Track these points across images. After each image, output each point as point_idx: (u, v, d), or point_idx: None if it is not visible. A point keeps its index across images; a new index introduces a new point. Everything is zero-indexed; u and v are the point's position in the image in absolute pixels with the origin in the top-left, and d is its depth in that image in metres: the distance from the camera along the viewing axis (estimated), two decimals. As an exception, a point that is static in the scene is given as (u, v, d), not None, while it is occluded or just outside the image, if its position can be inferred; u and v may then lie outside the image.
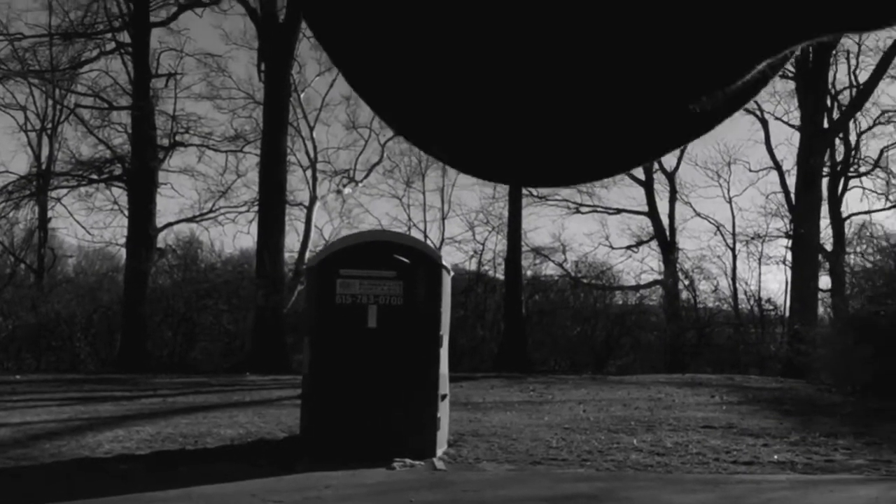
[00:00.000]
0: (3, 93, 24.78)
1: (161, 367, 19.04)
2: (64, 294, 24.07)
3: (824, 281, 23.04)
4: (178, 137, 23.69)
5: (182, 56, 24.50)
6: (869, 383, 12.31)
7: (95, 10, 22.66)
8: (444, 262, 7.05)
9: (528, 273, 26.81)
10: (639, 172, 27.42)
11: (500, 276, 26.08)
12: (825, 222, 24.12)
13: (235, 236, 58.98)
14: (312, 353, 6.84)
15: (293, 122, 25.20)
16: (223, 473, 6.08)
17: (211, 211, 25.12)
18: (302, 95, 27.03)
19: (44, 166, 25.73)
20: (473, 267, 27.96)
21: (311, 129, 27.38)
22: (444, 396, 7.04)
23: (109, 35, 23.05)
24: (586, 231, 51.63)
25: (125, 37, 22.67)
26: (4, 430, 8.00)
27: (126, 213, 22.48)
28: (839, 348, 14.14)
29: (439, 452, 6.83)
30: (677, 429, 8.69)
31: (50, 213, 26.33)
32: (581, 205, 27.80)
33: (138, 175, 21.53)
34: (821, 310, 22.41)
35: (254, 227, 23.08)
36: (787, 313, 23.89)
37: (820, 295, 22.68)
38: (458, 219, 31.68)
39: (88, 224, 27.19)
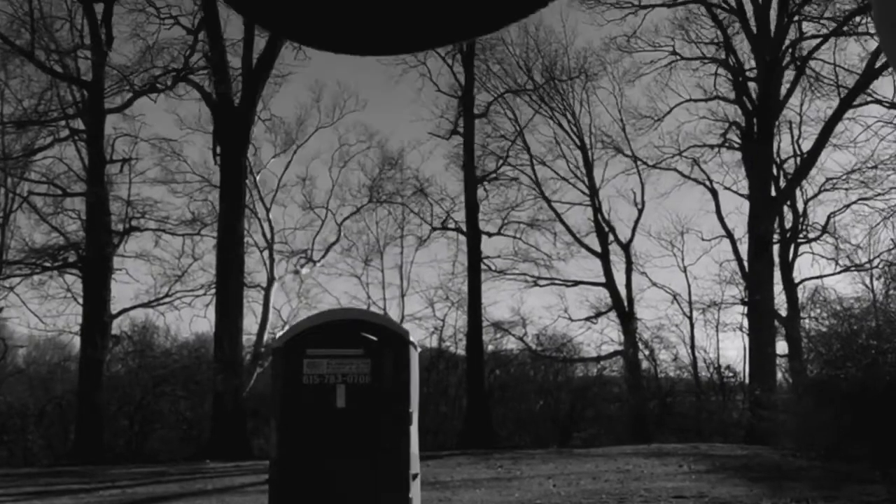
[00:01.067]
0: (-48, 184, 24.50)
1: (118, 458, 18.51)
2: (15, 385, 23.44)
3: (781, 346, 23.34)
4: (133, 222, 23.51)
5: (137, 141, 24.46)
6: (832, 446, 12.41)
7: (49, 98, 22.67)
8: (411, 339, 7.03)
9: (490, 348, 26.78)
10: (594, 244, 27.79)
11: (462, 351, 26.01)
12: (779, 288, 24.55)
13: (192, 320, 58.05)
14: (279, 435, 6.71)
15: (249, 203, 25.22)
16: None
17: (167, 295, 24.78)
18: (258, 177, 27.12)
19: (-5, 255, 25.29)
20: (434, 343, 27.84)
21: (268, 210, 27.40)
22: (415, 476, 6.93)
23: (63, 122, 23.00)
24: (545, 304, 51.65)
25: (79, 124, 22.64)
26: (-43, 530, 7.68)
27: (80, 300, 22.11)
28: (801, 413, 14.28)
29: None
30: (649, 500, 8.64)
31: (1, 303, 25.81)
32: (539, 277, 27.96)
33: (93, 262, 21.27)
34: (779, 375, 22.66)
35: (211, 311, 22.82)
36: (747, 379, 24.08)
37: (778, 360, 22.94)
38: (418, 295, 31.75)
39: (41, 312, 26.67)
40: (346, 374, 6.72)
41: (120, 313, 23.37)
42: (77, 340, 22.49)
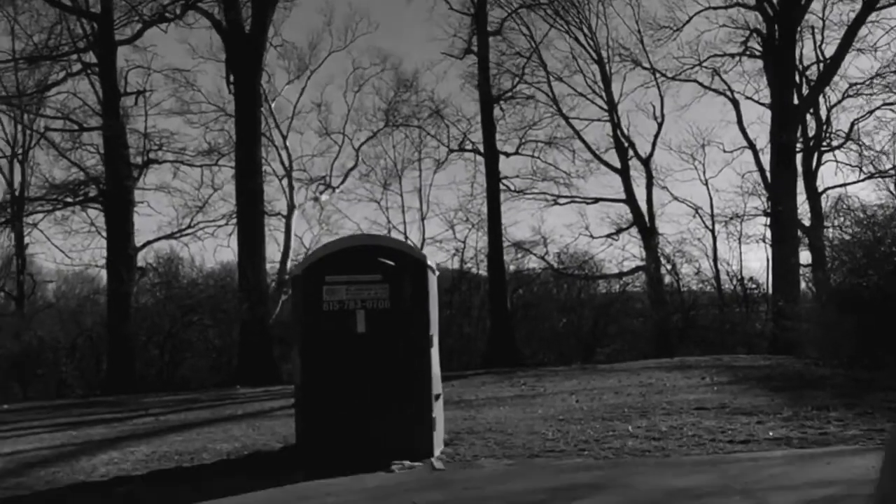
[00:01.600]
0: (-31, 120, 24.57)
1: (150, 387, 18.90)
2: (46, 320, 23.88)
3: (804, 256, 23.19)
4: (151, 155, 23.55)
5: (150, 73, 24.31)
6: (855, 355, 12.43)
7: (59, 32, 22.49)
8: (429, 262, 7.05)
9: (511, 268, 26.85)
10: (613, 160, 27.53)
11: (484, 273, 26.11)
12: (802, 198, 24.30)
13: (216, 250, 58.68)
14: (303, 361, 6.81)
15: (266, 132, 25.14)
16: (222, 488, 6.05)
17: (189, 227, 24.99)
18: (273, 105, 26.97)
19: (17, 192, 25.50)
20: (456, 265, 27.96)
21: (285, 137, 27.33)
22: (437, 396, 7.04)
23: (75, 56, 22.84)
24: (566, 222, 51.82)
25: (91, 57, 22.47)
26: (-4, 461, 7.92)
27: (104, 234, 22.31)
28: (823, 322, 14.26)
29: (437, 452, 6.83)
30: (671, 412, 8.73)
31: (27, 239, 26.12)
32: (559, 196, 27.82)
33: (114, 195, 21.37)
34: (803, 285, 22.57)
35: (233, 240, 23.00)
36: (770, 291, 24.04)
37: (801, 270, 22.82)
38: (438, 218, 31.70)
39: (66, 247, 26.92)
40: (366, 300, 6.77)
41: (144, 245, 23.63)
42: (104, 274, 22.81)
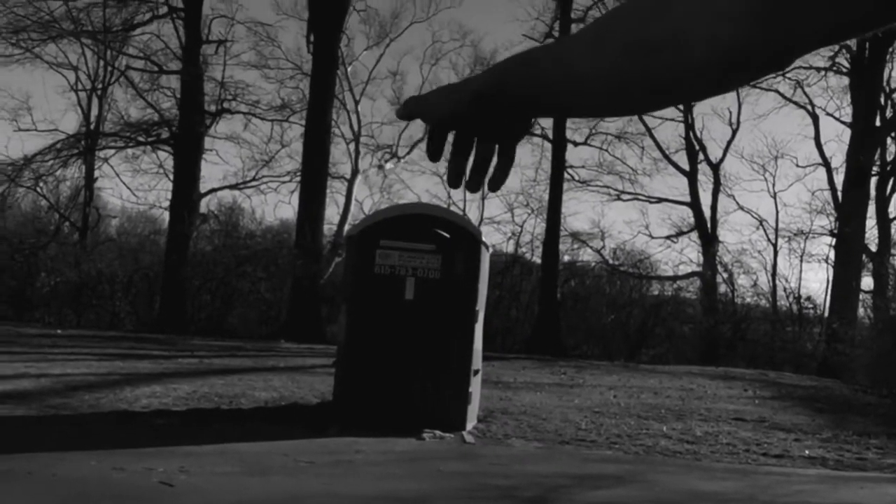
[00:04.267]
0: (55, 52, 25.15)
1: (198, 330, 19.31)
2: (106, 253, 24.49)
3: (866, 282, 22.71)
4: (225, 104, 23.94)
5: (233, 23, 24.71)
6: (906, 386, 12.16)
7: (149, -27, 22.92)
8: (483, 239, 7.07)
9: (566, 258, 26.76)
10: (682, 161, 27.18)
11: (537, 259, 26.05)
12: (871, 222, 23.75)
13: (276, 206, 59.34)
14: (349, 320, 6.90)
15: (339, 94, 25.33)
16: (257, 433, 6.20)
17: (254, 179, 25.42)
18: (349, 69, 27.15)
19: (92, 126, 26.12)
20: (511, 249, 27.96)
21: (357, 102, 27.52)
22: (476, 372, 7.08)
23: (162, -1, 23.29)
24: (626, 219, 51.17)
25: (178, 2, 22.89)
26: (45, 381, 8.19)
27: (171, 176, 22.80)
28: (877, 350, 13.97)
29: (469, 426, 6.88)
30: (708, 419, 8.65)
31: (96, 173, 26.77)
32: (623, 192, 27.64)
33: (185, 140, 21.79)
34: (861, 311, 22.11)
35: (295, 198, 23.30)
36: (826, 313, 23.58)
37: (861, 296, 22.36)
38: (498, 199, 31.64)
39: (133, 186, 27.71)
40: (417, 268, 6.83)
41: (208, 192, 24.10)
42: (166, 215, 23.33)
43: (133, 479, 4.57)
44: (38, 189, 25.30)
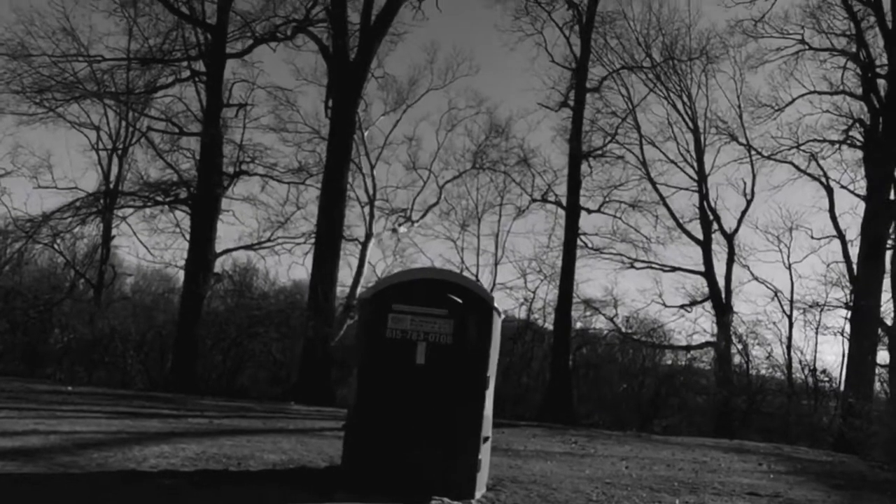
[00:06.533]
0: (78, 112, 25.64)
1: (209, 390, 19.27)
2: (120, 311, 24.61)
3: (882, 356, 22.45)
4: (243, 166, 24.23)
5: (253, 88, 25.16)
6: (924, 464, 11.94)
7: (174, 38, 23.44)
8: (495, 305, 7.08)
9: (578, 325, 26.67)
10: (696, 231, 27.20)
11: (549, 325, 25.96)
12: (886, 296, 23.54)
13: (290, 267, 59.84)
14: (360, 384, 6.88)
15: (355, 158, 25.62)
16: (265, 497, 6.14)
17: (269, 240, 25.56)
18: (366, 133, 27.51)
19: (112, 185, 26.47)
20: (523, 315, 27.88)
21: (373, 166, 27.82)
22: (486, 439, 7.02)
23: (185, 63, 23.78)
24: (639, 287, 51.23)
25: (200, 66, 23.37)
26: (54, 438, 8.17)
27: (187, 236, 22.99)
28: (894, 426, 13.76)
29: (478, 495, 6.80)
30: (722, 493, 8.51)
31: (114, 231, 27.03)
32: (636, 260, 27.61)
33: (202, 200, 22.03)
34: (877, 385, 21.83)
35: (309, 259, 23.37)
36: (842, 386, 23.28)
37: (877, 370, 22.09)
38: (511, 265, 31.83)
39: (150, 244, 27.90)
40: (429, 333, 6.83)
41: (223, 252, 24.24)
42: (181, 274, 23.46)
43: (138, 541, 4.53)
44: (56, 246, 25.55)
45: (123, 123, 26.76)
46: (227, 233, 64.70)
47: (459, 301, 6.84)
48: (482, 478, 7.02)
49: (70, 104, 23.81)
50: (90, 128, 26.92)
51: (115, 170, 27.45)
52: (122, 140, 27.44)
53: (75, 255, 27.27)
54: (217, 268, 23.67)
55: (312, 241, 23.13)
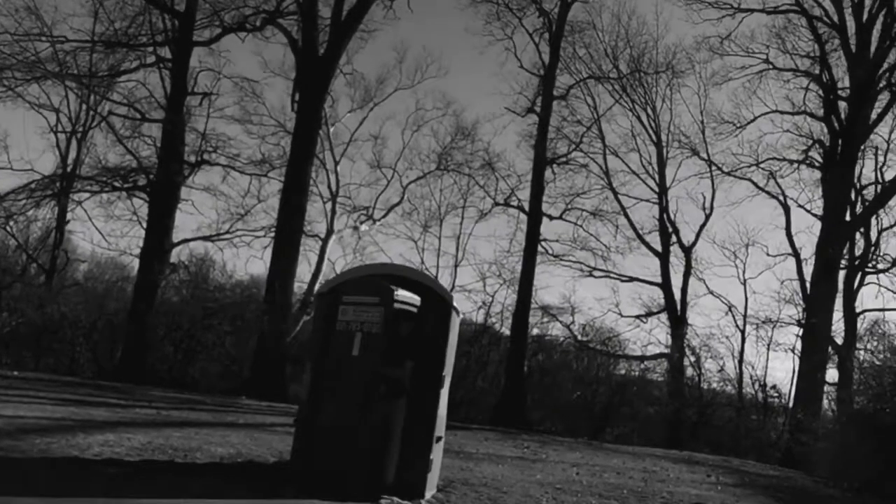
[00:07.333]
0: (38, 93, 25.05)
1: (158, 381, 18.93)
2: (72, 297, 24.07)
3: (831, 374, 22.80)
4: (205, 156, 23.90)
5: (219, 77, 24.83)
6: (868, 481, 12.10)
7: (140, 23, 23.06)
8: (454, 304, 7.02)
9: (535, 331, 26.69)
10: (655, 243, 27.43)
11: (506, 330, 25.97)
12: (838, 315, 23.94)
13: (248, 260, 59.04)
14: (313, 379, 6.78)
15: (319, 153, 25.40)
16: (210, 489, 6.01)
17: (228, 232, 25.21)
18: (332, 129, 27.31)
19: (69, 169, 25.94)
20: (481, 318, 27.84)
21: (336, 163, 27.62)
22: (439, 439, 6.96)
23: (151, 48, 23.39)
24: (597, 296, 51.41)
25: (166, 52, 23.02)
26: (-4, 422, 7.95)
27: (144, 224, 22.60)
28: (841, 443, 13.95)
29: (428, 495, 6.73)
30: (670, 502, 8.54)
31: (69, 216, 26.45)
32: (595, 268, 27.74)
33: (161, 188, 21.69)
34: (825, 403, 22.15)
35: (267, 254, 23.16)
36: (791, 403, 23.60)
37: (826, 388, 22.43)
38: (471, 268, 31.76)
39: (105, 231, 27.32)
40: (365, 323, 6.72)
41: (181, 242, 23.88)
42: (136, 263, 23.01)
43: (76, 529, 4.40)
44: (8, 228, 24.94)
45: (84, 106, 26.20)
46: (186, 223, 63.71)
47: (417, 298, 6.77)
48: (433, 478, 6.95)
49: (30, 84, 23.28)
50: (50, 109, 26.32)
51: (73, 153, 26.83)
52: (81, 123, 26.87)
53: (28, 238, 26.65)
54: (173, 258, 23.33)
55: (272, 234, 22.89)
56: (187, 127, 22.90)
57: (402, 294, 6.67)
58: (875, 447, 12.03)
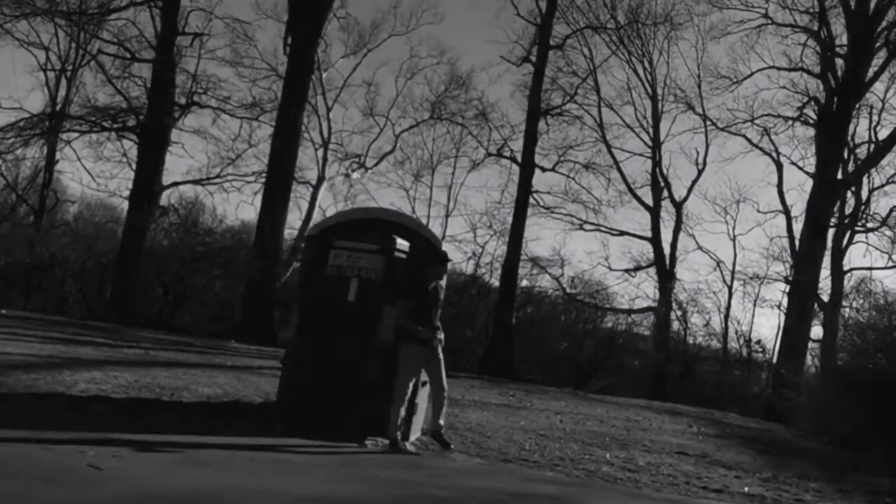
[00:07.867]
0: (27, 30, 24.67)
1: (148, 323, 19.00)
2: (61, 238, 24.02)
3: (816, 330, 23.03)
4: (195, 97, 23.64)
5: (211, 18, 24.46)
6: (848, 435, 12.28)
7: (131, -41, 22.61)
8: (444, 249, 7.02)
9: (524, 283, 26.81)
10: (647, 197, 27.44)
11: (495, 281, 26.08)
12: (825, 272, 24.09)
13: (239, 206, 59.06)
14: (300, 321, 6.80)
15: (311, 99, 25.17)
16: (196, 426, 6.06)
17: (218, 176, 25.03)
18: (324, 75, 27.03)
19: (58, 108, 25.66)
20: (470, 269, 27.93)
21: (329, 109, 27.39)
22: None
23: (142, -14, 22.98)
24: (587, 249, 51.59)
25: (158, -10, 22.62)
26: (-17, 358, 7.97)
27: (134, 166, 22.43)
28: (822, 397, 14.12)
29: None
30: (651, 450, 8.66)
31: (58, 156, 26.26)
32: (586, 222, 27.76)
33: (151, 129, 21.49)
34: (808, 359, 22.40)
35: (258, 199, 23.04)
36: (775, 358, 23.87)
37: (810, 344, 22.66)
38: (462, 219, 31.78)
39: (95, 172, 27.08)
40: (363, 269, 6.72)
41: (171, 185, 23.74)
42: (125, 205, 22.89)
43: (62, 461, 4.43)
44: (-3, 166, 24.76)
45: (74, 45, 25.85)
46: (176, 166, 63.41)
47: (406, 244, 6.77)
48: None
49: (19, 21, 22.90)
50: (39, 47, 25.99)
51: (62, 92, 26.59)
52: (71, 62, 26.57)
53: (17, 177, 26.48)
54: (163, 201, 23.20)
55: (263, 180, 22.74)
56: (178, 68, 22.62)
57: (401, 243, 6.68)
58: (855, 402, 12.19)
